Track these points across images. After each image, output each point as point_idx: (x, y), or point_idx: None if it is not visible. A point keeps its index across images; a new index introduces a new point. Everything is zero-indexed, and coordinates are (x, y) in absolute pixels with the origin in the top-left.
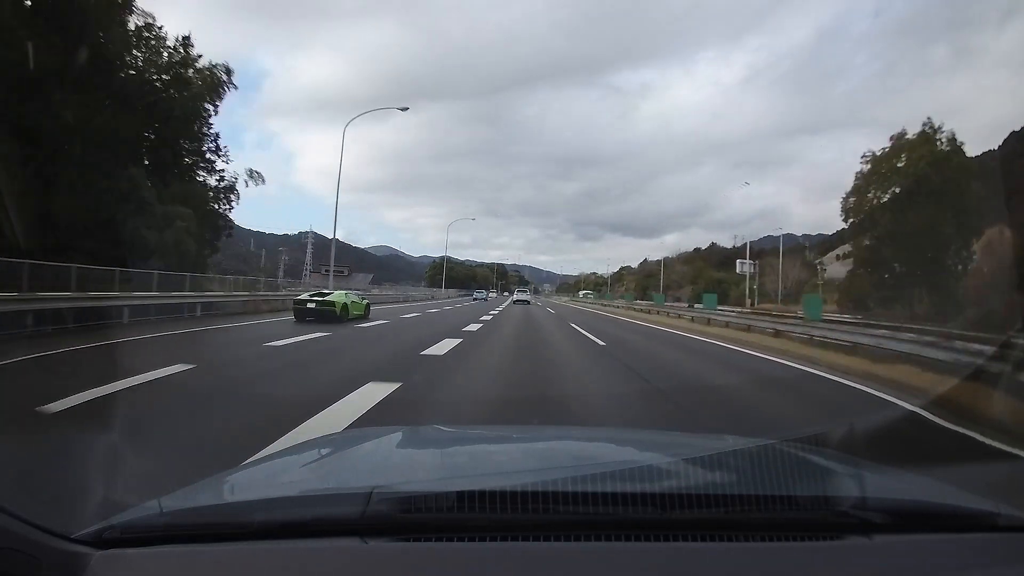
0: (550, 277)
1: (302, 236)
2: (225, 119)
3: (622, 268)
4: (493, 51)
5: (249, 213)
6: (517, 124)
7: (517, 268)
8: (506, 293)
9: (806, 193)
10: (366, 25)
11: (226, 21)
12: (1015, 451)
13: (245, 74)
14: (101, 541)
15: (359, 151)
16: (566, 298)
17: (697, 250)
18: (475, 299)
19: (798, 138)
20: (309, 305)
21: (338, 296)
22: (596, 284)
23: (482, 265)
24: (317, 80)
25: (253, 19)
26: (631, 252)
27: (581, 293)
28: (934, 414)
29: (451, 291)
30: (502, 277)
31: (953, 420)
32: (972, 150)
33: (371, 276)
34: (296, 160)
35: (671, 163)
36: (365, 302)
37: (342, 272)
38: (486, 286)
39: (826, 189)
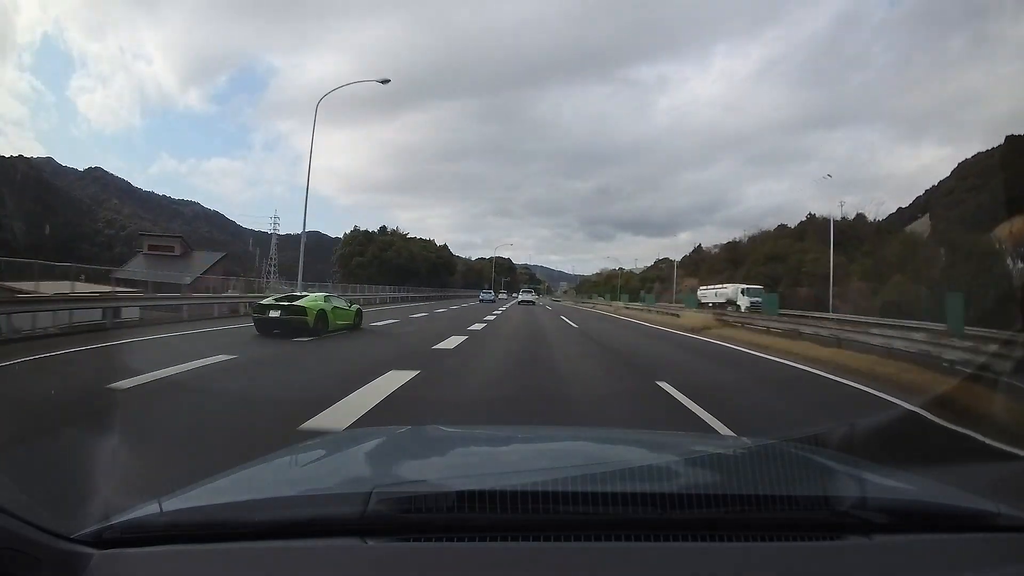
0: (562, 276)
1: (306, 235)
2: (232, 120)
3: (659, 261)
4: (504, 45)
5: (252, 212)
6: (529, 121)
7: (528, 267)
8: (514, 294)
9: (821, 188)
10: (374, 20)
11: (232, 19)
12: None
13: (252, 72)
14: (101, 541)
15: (370, 151)
16: (631, 308)
17: (783, 227)
18: (481, 300)
19: (813, 132)
20: (272, 313)
21: (312, 301)
22: (649, 279)
23: (481, 259)
24: (324, 78)
25: (259, 16)
26: (643, 250)
27: (737, 292)
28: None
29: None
30: (506, 274)
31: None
32: (986, 141)
33: (218, 256)
34: (304, 161)
35: (685, 159)
36: (354, 308)
37: (171, 250)
38: (482, 285)
39: (841, 184)
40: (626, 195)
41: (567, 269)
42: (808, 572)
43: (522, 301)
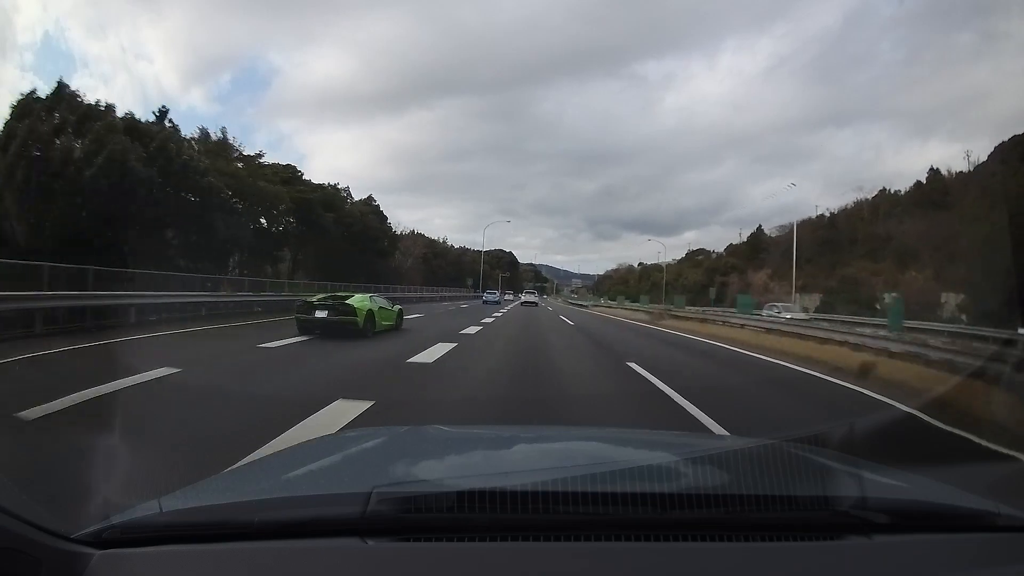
0: (568, 276)
1: None
2: (234, 119)
3: (692, 253)
4: (510, 42)
5: None
6: (535, 120)
7: (534, 266)
8: (520, 295)
9: (828, 187)
10: (377, 16)
11: (233, 16)
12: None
13: (254, 72)
14: (101, 541)
15: (374, 150)
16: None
17: (885, 192)
18: (485, 301)
19: (821, 130)
20: (318, 313)
21: (360, 300)
22: (717, 270)
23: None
24: (327, 77)
25: (260, 13)
26: (649, 250)
27: None
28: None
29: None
30: (506, 269)
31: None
32: (993, 138)
33: None
34: (307, 162)
35: (692, 158)
36: (397, 308)
37: None
38: (465, 280)
39: (848, 183)
40: (632, 195)
41: (573, 269)
42: (808, 572)
43: (524, 302)
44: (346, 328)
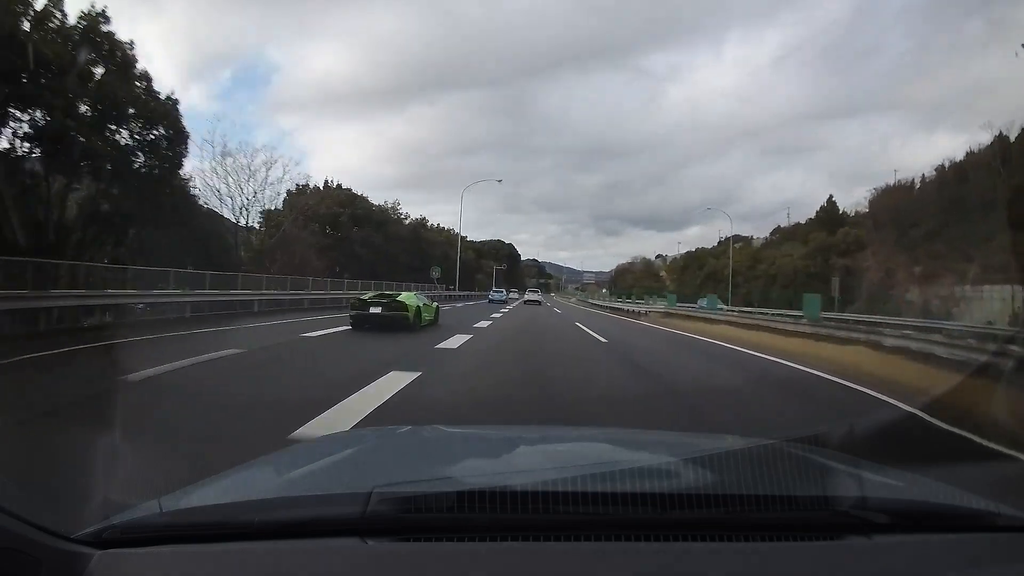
0: (572, 273)
1: None
2: (235, 118)
3: (726, 240)
4: (514, 34)
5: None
6: (539, 114)
7: (537, 262)
8: (525, 293)
9: (833, 181)
10: (377, 9)
11: (232, 11)
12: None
13: (254, 69)
14: (101, 541)
15: (377, 147)
16: None
17: (1002, 136)
18: (491, 300)
19: (828, 123)
20: (372, 310)
21: (409, 298)
22: (833, 248)
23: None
24: (328, 72)
25: (260, 8)
26: (653, 246)
27: None
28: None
29: None
30: (503, 262)
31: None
32: (997, 129)
33: None
34: (309, 159)
35: (697, 152)
36: (435, 304)
37: None
38: (430, 267)
39: (854, 177)
40: (636, 190)
41: (576, 265)
42: (808, 572)
43: (528, 301)
44: (398, 322)
